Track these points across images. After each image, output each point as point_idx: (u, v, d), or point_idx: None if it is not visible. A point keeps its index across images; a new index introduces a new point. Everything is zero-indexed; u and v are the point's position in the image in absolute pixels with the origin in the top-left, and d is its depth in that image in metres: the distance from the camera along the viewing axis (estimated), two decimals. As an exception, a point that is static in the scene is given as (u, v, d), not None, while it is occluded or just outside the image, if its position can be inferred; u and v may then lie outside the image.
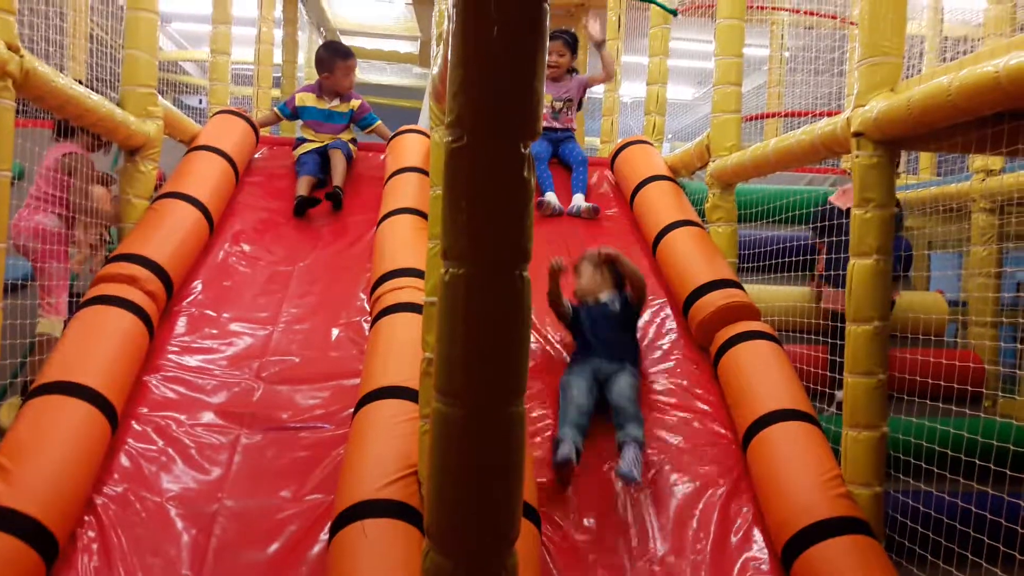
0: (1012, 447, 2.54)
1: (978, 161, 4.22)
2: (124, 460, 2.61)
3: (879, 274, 2.64)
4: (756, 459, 2.78)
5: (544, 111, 4.59)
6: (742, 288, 3.47)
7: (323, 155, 4.35)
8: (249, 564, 2.35)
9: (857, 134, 2.69)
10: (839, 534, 2.41)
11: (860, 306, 2.65)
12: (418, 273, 3.15)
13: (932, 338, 3.69)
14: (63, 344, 2.77)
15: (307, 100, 4.53)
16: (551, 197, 4.33)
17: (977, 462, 2.46)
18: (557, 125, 4.73)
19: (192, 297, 3.37)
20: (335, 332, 3.32)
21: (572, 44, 4.74)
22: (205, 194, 3.67)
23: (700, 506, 2.73)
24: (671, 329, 3.57)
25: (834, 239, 3.49)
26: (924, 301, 3.85)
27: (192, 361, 3.06)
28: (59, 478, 2.31)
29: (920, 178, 5.89)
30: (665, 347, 3.49)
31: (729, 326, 3.29)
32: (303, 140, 4.45)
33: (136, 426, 2.74)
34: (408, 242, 3.47)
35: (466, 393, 1.19)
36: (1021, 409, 3.70)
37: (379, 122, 4.64)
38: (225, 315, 3.31)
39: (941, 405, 2.74)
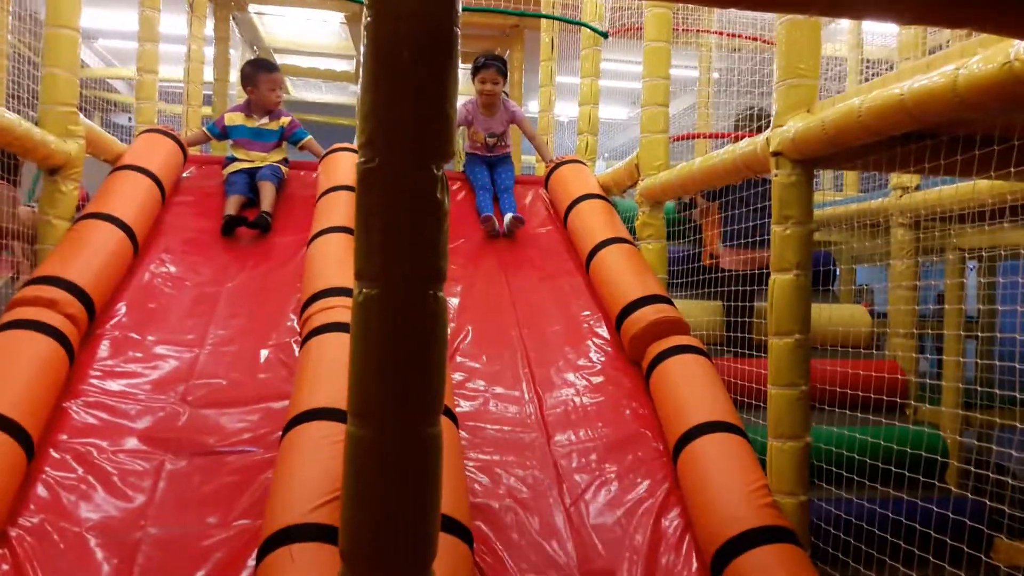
0: (924, 453, 2.64)
1: (895, 179, 4.38)
2: (41, 490, 2.52)
3: (799, 288, 2.72)
4: (686, 471, 2.82)
5: (479, 147, 4.58)
6: (672, 304, 3.54)
7: (253, 175, 4.30)
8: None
9: (776, 153, 2.77)
10: (766, 543, 2.46)
11: (781, 319, 2.73)
12: (349, 292, 3.12)
13: (860, 351, 3.82)
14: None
15: (236, 119, 4.48)
16: (493, 216, 4.34)
17: (893, 469, 2.54)
18: (491, 156, 4.74)
19: (115, 319, 3.28)
20: (264, 353, 3.26)
21: (504, 71, 4.76)
22: (129, 214, 3.59)
23: (634, 519, 2.75)
24: (603, 344, 3.61)
25: (728, 198, 3.63)
26: (847, 314, 3.97)
27: (115, 385, 2.98)
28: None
29: (845, 194, 6.10)
30: (598, 362, 3.53)
31: (660, 340, 3.35)
32: (233, 159, 4.39)
33: (54, 454, 2.65)
34: (339, 261, 3.44)
35: (379, 414, 1.19)
36: (940, 416, 3.84)
37: (309, 137, 4.59)
38: (150, 338, 3.23)
39: (859, 415, 2.83)
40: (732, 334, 3.65)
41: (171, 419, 2.87)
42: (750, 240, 3.67)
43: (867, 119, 2.31)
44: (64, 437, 2.73)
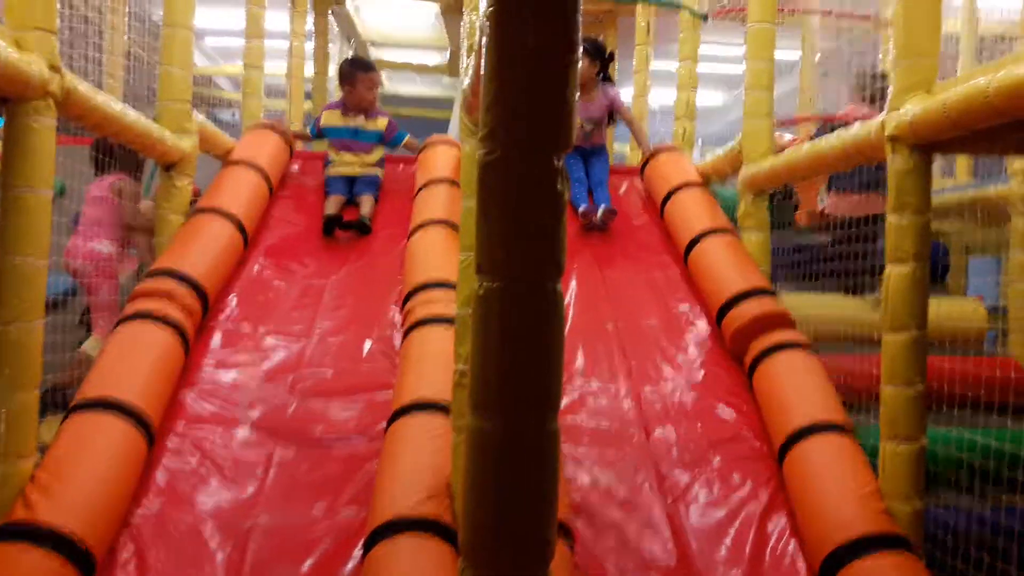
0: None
1: (1017, 163, 4.12)
2: (160, 476, 2.65)
3: (916, 281, 2.59)
4: (792, 473, 2.74)
5: (575, 133, 4.54)
6: (776, 297, 3.43)
7: (352, 182, 4.32)
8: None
9: (892, 138, 2.63)
10: (879, 550, 2.37)
11: (897, 314, 2.60)
12: (450, 285, 3.15)
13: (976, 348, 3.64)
14: (101, 361, 2.82)
15: (333, 119, 4.49)
16: (590, 208, 4.28)
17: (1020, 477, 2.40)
18: (587, 144, 4.63)
19: (228, 312, 3.42)
20: (367, 344, 3.34)
21: (594, 52, 4.63)
22: (240, 209, 3.72)
23: (737, 522, 2.69)
24: (703, 338, 3.54)
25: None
26: (962, 309, 3.77)
27: (227, 376, 3.10)
28: (97, 495, 2.35)
29: (957, 181, 5.77)
30: (697, 357, 3.46)
31: (764, 336, 3.25)
32: (331, 162, 4.43)
33: (172, 442, 2.78)
34: (439, 254, 3.48)
35: (500, 408, 1.18)
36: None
37: (408, 136, 4.60)
38: (260, 329, 3.35)
39: (982, 417, 2.68)
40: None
41: (280, 409, 2.97)
42: (860, 181, 3.52)
43: (995, 99, 2.16)
44: (181, 426, 2.85)
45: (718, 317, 3.49)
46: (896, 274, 2.61)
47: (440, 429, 2.50)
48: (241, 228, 3.66)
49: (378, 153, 4.49)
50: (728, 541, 2.63)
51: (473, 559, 1.24)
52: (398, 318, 3.43)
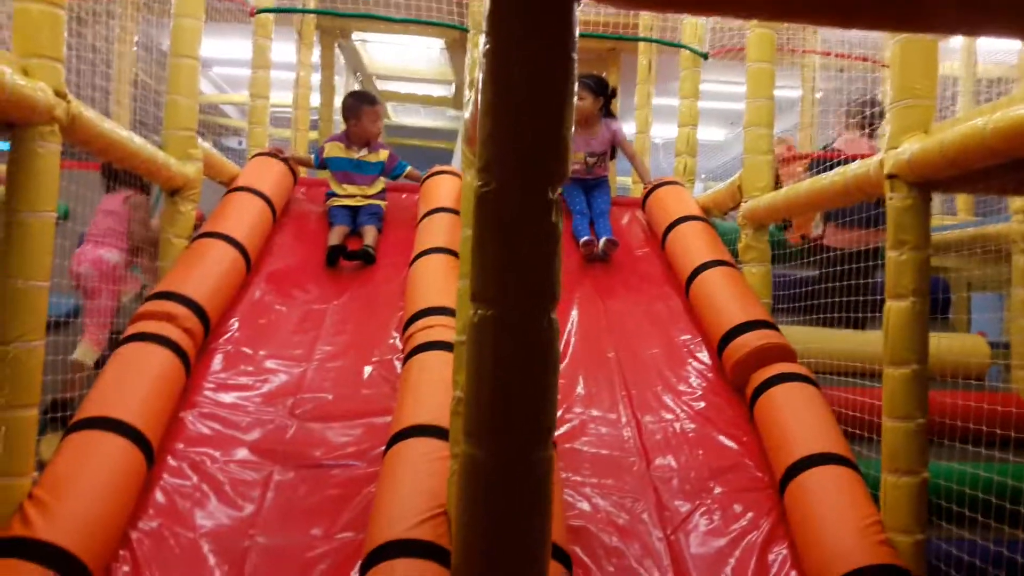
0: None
1: (1018, 202, 4.15)
2: (159, 495, 2.64)
3: (916, 316, 2.60)
4: (793, 504, 2.72)
5: (577, 166, 4.48)
6: (777, 329, 3.44)
7: (355, 212, 4.34)
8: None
9: (891, 176, 2.67)
10: (880, 582, 2.35)
11: (897, 349, 2.61)
12: (450, 312, 3.16)
13: (979, 383, 3.63)
14: (101, 380, 2.82)
15: (335, 150, 4.49)
16: (592, 240, 4.30)
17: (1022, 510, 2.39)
18: (590, 177, 4.66)
19: (229, 334, 3.42)
20: (368, 370, 3.34)
21: (597, 88, 4.65)
22: (243, 234, 3.74)
23: (737, 552, 2.67)
24: (704, 369, 3.54)
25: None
26: (964, 344, 3.77)
27: (227, 398, 3.10)
28: (95, 512, 2.34)
29: (958, 219, 5.82)
30: (699, 387, 3.46)
31: (765, 368, 3.26)
32: (334, 194, 4.43)
33: (172, 461, 2.77)
34: (440, 280, 3.49)
35: (493, 436, 1.19)
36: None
37: (408, 168, 4.60)
38: (261, 352, 3.35)
39: (984, 451, 2.68)
40: (833, 315, 3.60)
41: (280, 431, 2.96)
42: (857, 217, 3.56)
43: (992, 140, 2.20)
44: (180, 446, 2.85)
45: (719, 348, 3.49)
46: (896, 309, 2.62)
47: (438, 453, 2.50)
48: (244, 252, 3.68)
49: (379, 185, 4.51)
50: (728, 571, 2.60)
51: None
52: (399, 344, 3.43)
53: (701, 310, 3.75)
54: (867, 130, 4.24)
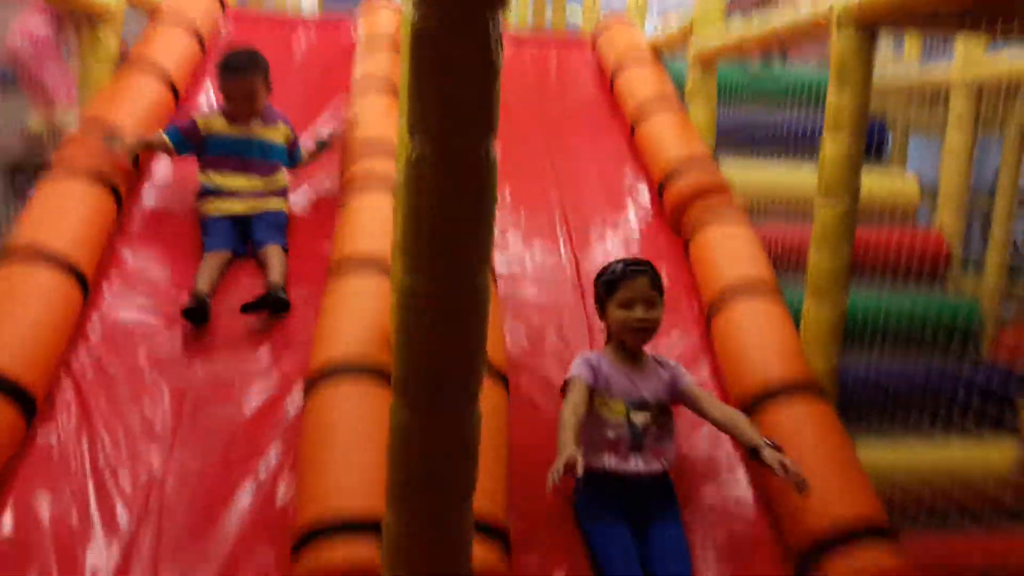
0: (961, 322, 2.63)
1: (959, 47, 4.16)
2: (97, 324, 2.64)
3: (851, 155, 2.66)
4: (719, 330, 2.85)
5: (612, 436, 2.19)
6: (718, 169, 3.48)
7: (245, 225, 3.00)
8: (224, 421, 2.42)
9: (838, 17, 2.64)
10: (792, 394, 2.49)
11: (830, 184, 2.68)
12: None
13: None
14: (31, 211, 2.76)
15: (216, 124, 3.07)
16: None
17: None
18: (640, 472, 2.23)
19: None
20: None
21: (661, 283, 2.36)
22: (171, 65, 3.58)
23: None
24: (645, 209, 3.60)
25: None
26: (895, 184, 3.88)
27: (165, 228, 3.05)
28: (31, 339, 2.34)
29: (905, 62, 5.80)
30: (640, 228, 3.51)
31: (702, 205, 3.30)
32: (211, 191, 3.03)
33: (107, 293, 2.76)
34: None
35: (429, 270, 1.20)
36: (978, 287, 3.79)
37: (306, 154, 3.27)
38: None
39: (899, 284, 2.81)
40: None
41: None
42: None
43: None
44: (116, 277, 2.82)
45: (660, 188, 3.53)
46: (832, 146, 2.66)
47: (379, 288, 2.53)
48: (172, 87, 3.53)
49: (280, 178, 3.14)
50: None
51: (404, 397, 1.28)
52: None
53: (644, 152, 3.77)
54: None
